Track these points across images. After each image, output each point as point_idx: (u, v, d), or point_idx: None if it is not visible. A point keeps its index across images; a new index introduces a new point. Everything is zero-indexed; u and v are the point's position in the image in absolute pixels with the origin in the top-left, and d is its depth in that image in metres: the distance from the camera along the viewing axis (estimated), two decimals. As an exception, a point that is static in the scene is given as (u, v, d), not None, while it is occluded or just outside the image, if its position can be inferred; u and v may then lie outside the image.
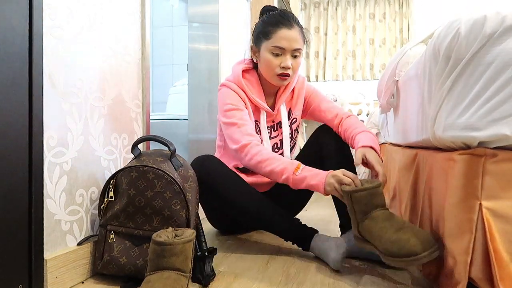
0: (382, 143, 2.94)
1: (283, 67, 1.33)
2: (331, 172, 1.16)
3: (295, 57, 1.35)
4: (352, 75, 4.95)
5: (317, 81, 5.05)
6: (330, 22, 4.98)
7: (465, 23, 0.81)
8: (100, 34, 1.16)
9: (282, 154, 1.47)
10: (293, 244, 1.32)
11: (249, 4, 2.83)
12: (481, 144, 0.80)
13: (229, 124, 1.34)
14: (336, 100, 4.51)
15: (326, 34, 5.01)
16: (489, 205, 0.77)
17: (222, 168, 1.33)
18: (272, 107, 1.48)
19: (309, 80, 5.05)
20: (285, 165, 1.21)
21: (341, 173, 1.15)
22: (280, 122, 1.49)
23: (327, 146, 1.39)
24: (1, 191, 0.82)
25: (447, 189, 0.87)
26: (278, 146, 1.48)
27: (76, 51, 1.06)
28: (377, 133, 3.19)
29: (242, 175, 1.45)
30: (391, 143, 1.80)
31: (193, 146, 2.36)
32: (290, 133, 1.48)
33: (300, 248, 1.31)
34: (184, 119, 2.75)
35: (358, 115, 4.07)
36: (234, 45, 2.56)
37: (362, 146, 1.26)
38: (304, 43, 1.37)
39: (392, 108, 1.55)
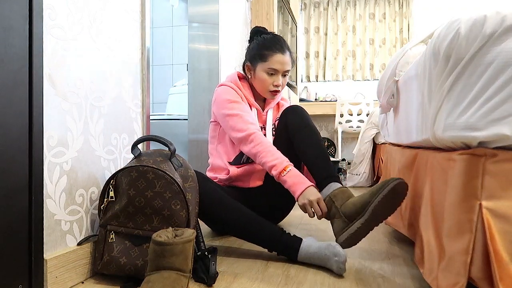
0: (382, 143, 2.94)
1: (275, 85, 1.55)
2: (311, 189, 1.31)
3: (284, 76, 1.58)
4: (352, 75, 4.95)
5: (317, 81, 5.06)
6: (330, 22, 4.98)
7: (465, 23, 0.81)
8: (100, 34, 1.16)
9: None
10: (278, 255, 1.28)
11: (249, 4, 2.83)
12: (481, 144, 0.80)
13: (231, 115, 1.48)
14: (336, 100, 4.51)
15: (326, 34, 5.01)
16: (489, 205, 0.77)
17: (206, 185, 1.34)
18: (262, 109, 1.66)
19: (308, 80, 5.05)
20: (276, 163, 1.36)
21: (316, 201, 1.29)
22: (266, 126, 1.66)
23: (292, 125, 1.52)
24: (1, 191, 0.82)
25: (447, 189, 0.87)
26: None
27: (76, 51, 1.06)
28: (377, 133, 3.20)
29: (232, 167, 1.54)
30: (391, 143, 1.80)
31: (193, 146, 2.36)
32: (273, 129, 1.65)
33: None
34: (184, 119, 2.75)
35: (358, 115, 4.07)
36: (234, 45, 2.56)
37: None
38: (292, 64, 1.61)
39: (392, 108, 1.55)
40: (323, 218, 1.33)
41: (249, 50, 1.62)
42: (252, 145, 1.42)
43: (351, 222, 1.23)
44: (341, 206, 1.27)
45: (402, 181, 1.19)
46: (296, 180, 1.33)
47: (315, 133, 1.48)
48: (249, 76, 1.62)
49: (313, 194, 1.30)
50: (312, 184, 1.34)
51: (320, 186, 1.38)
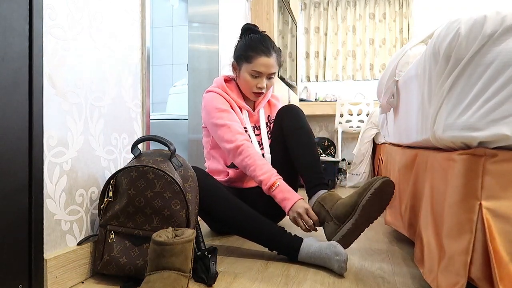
0: (382, 143, 2.94)
1: (259, 87, 1.54)
2: (299, 202, 1.33)
3: (269, 78, 1.56)
4: (352, 75, 4.95)
5: (317, 81, 5.05)
6: (330, 22, 4.98)
7: (465, 23, 0.81)
8: (100, 34, 1.16)
9: (262, 148, 1.62)
10: (278, 254, 1.29)
11: (249, 4, 2.83)
12: (481, 144, 0.80)
13: (219, 126, 1.48)
14: (336, 100, 4.51)
15: (326, 34, 5.01)
16: (489, 205, 0.77)
17: (208, 181, 1.34)
18: (253, 109, 1.66)
19: (308, 80, 5.05)
20: (265, 178, 1.38)
21: (304, 212, 1.31)
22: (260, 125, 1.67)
23: (286, 127, 1.53)
24: (1, 191, 0.82)
25: (447, 189, 0.87)
26: (261, 143, 1.63)
27: (76, 51, 1.06)
28: (377, 133, 3.20)
29: (231, 170, 1.56)
30: (391, 143, 1.80)
31: (193, 146, 2.36)
32: (269, 131, 1.66)
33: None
34: (184, 119, 2.75)
35: (358, 115, 4.07)
36: (234, 45, 2.55)
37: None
38: (278, 66, 1.56)
39: (392, 108, 1.55)
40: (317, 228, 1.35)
41: (236, 48, 1.60)
42: (241, 158, 1.43)
43: (342, 223, 1.26)
44: (331, 208, 1.29)
45: (387, 179, 1.21)
46: (285, 196, 1.35)
47: (308, 136, 1.49)
48: (235, 75, 1.62)
49: (301, 206, 1.33)
50: (301, 197, 1.36)
51: (309, 194, 1.41)
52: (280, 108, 1.60)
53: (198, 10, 2.34)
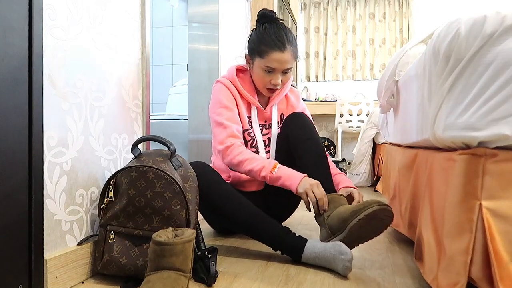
0: (382, 143, 2.94)
1: (273, 84, 1.44)
2: (306, 178, 1.29)
3: (285, 73, 1.45)
4: (352, 75, 4.95)
5: (317, 81, 5.05)
6: (330, 22, 4.98)
7: (465, 23, 0.81)
8: (100, 34, 1.16)
9: (269, 151, 1.54)
10: (282, 254, 1.28)
11: (249, 4, 2.83)
12: (481, 144, 0.80)
13: (217, 123, 1.43)
14: (336, 100, 4.51)
15: (326, 34, 5.01)
16: (489, 205, 0.77)
17: (213, 177, 1.32)
18: (265, 105, 1.57)
19: (308, 80, 5.05)
20: (264, 164, 1.32)
21: (315, 185, 1.27)
22: (271, 123, 1.58)
23: (294, 137, 1.46)
24: (1, 191, 0.82)
25: (447, 189, 0.87)
26: (267, 144, 1.56)
27: (76, 51, 1.06)
28: (377, 133, 3.21)
29: (233, 172, 1.51)
30: (391, 143, 1.80)
31: (193, 146, 2.36)
32: (278, 133, 1.56)
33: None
34: (184, 119, 2.75)
35: (358, 115, 4.07)
36: (234, 45, 2.56)
37: (347, 187, 1.45)
38: (294, 60, 1.45)
39: (392, 108, 1.55)
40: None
41: (250, 39, 1.49)
42: (231, 157, 1.37)
43: (333, 235, 1.23)
44: (328, 217, 1.25)
45: (384, 208, 1.15)
46: (290, 173, 1.30)
47: (317, 145, 1.42)
48: (248, 67, 1.54)
49: (310, 181, 1.27)
50: (305, 175, 1.31)
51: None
52: (287, 117, 1.52)
53: (198, 10, 2.34)
